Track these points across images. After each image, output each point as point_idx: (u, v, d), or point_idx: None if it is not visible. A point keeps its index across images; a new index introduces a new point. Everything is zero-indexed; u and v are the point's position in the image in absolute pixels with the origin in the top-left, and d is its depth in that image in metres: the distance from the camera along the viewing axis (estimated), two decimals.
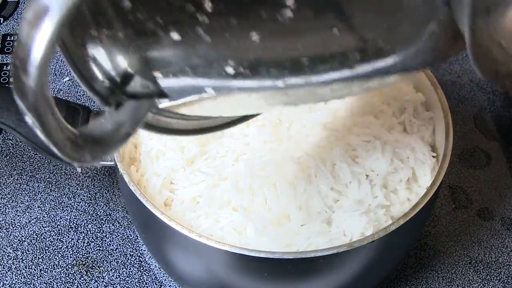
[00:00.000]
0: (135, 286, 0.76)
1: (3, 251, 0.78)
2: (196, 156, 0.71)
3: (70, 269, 0.77)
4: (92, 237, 0.79)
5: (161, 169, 0.71)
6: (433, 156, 0.72)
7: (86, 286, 0.76)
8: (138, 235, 0.79)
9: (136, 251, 0.78)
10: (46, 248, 0.78)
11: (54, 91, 0.90)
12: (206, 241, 0.63)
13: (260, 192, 0.68)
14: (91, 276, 0.76)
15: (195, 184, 0.70)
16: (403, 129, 0.74)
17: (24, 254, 0.78)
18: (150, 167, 0.71)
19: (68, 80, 0.92)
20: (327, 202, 0.68)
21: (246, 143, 0.72)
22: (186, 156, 0.71)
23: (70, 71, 0.53)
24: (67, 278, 0.76)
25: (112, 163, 0.71)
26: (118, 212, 0.81)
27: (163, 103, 0.43)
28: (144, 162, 0.72)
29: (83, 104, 0.75)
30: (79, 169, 0.77)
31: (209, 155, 0.72)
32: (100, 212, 0.81)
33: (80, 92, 0.90)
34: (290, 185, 0.68)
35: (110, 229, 0.80)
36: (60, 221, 0.80)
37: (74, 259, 0.78)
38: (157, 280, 0.76)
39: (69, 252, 0.78)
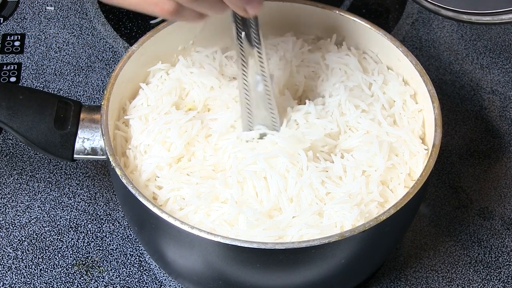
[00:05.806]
0: (135, 286, 0.76)
1: (3, 251, 0.78)
2: (183, 154, 0.71)
3: (70, 269, 0.77)
4: (92, 237, 0.79)
5: (147, 165, 0.71)
6: (425, 149, 0.72)
7: (86, 286, 0.76)
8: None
9: (136, 251, 0.78)
10: (46, 248, 0.78)
11: (54, 90, 0.91)
12: (198, 232, 0.63)
13: (250, 185, 0.68)
14: (91, 276, 0.77)
15: (181, 182, 0.70)
16: (393, 122, 0.74)
17: (24, 254, 0.78)
18: (138, 162, 0.71)
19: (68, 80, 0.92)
20: (319, 194, 0.68)
21: (234, 140, 0.72)
22: (172, 155, 0.71)
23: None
24: (67, 278, 0.76)
25: (105, 157, 0.71)
26: (118, 212, 0.81)
27: None
28: (132, 157, 0.72)
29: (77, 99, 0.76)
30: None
31: (195, 153, 0.72)
32: (100, 212, 0.81)
33: (79, 92, 0.91)
34: (281, 178, 0.68)
35: (110, 229, 0.80)
36: (60, 221, 0.80)
37: (74, 259, 0.78)
38: (157, 280, 0.76)
39: (69, 252, 0.78)
